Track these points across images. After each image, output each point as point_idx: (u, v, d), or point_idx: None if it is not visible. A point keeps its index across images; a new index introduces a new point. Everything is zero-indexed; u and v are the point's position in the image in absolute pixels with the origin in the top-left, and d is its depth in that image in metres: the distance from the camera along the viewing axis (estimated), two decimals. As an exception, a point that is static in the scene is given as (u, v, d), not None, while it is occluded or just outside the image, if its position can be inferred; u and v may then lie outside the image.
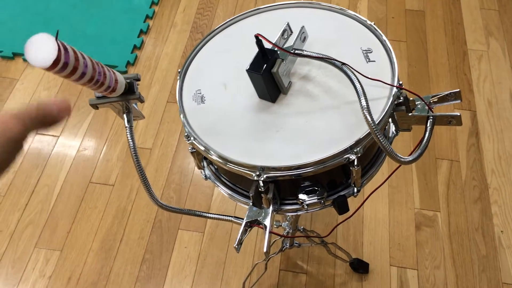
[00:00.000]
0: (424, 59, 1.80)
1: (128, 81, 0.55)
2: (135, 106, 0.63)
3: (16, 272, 1.39)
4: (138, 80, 0.56)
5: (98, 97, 0.56)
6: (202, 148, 0.65)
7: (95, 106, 0.57)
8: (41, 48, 0.39)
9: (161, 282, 1.36)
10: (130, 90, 0.56)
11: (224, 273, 1.36)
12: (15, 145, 0.36)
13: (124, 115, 0.60)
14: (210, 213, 0.73)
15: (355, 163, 0.61)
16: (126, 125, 0.60)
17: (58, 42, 0.39)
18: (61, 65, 0.40)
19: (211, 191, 1.51)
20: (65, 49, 0.40)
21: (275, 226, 1.17)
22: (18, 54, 1.88)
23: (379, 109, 0.63)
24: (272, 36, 0.65)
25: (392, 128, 0.75)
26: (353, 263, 1.32)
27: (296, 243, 1.22)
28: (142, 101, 0.58)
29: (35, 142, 1.65)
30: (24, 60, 1.87)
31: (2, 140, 0.36)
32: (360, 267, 1.32)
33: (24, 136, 0.37)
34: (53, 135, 1.66)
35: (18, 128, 0.37)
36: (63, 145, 1.64)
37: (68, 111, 0.40)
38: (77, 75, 0.43)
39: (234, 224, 1.44)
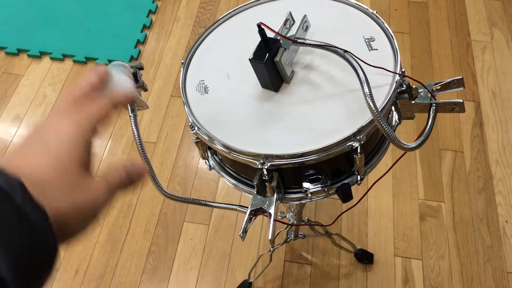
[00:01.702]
0: (428, 51, 1.80)
1: (132, 70, 0.56)
2: (139, 95, 0.64)
3: (23, 266, 1.40)
4: (142, 68, 0.57)
5: None
6: (206, 138, 0.66)
7: None
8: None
9: (167, 274, 1.37)
10: (133, 79, 0.56)
11: (230, 264, 1.37)
12: (99, 213, 0.34)
13: (128, 105, 0.60)
14: (216, 202, 0.74)
15: (358, 150, 0.62)
16: (130, 114, 0.60)
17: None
18: None
19: (216, 183, 1.52)
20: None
21: (279, 217, 1.17)
22: (22, 50, 1.89)
23: (382, 96, 0.63)
24: (274, 25, 0.65)
25: (395, 116, 0.75)
26: (357, 253, 1.32)
27: (300, 234, 1.22)
28: (145, 89, 0.59)
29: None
30: (29, 56, 1.88)
31: (92, 209, 0.33)
32: (364, 257, 1.33)
33: (108, 204, 0.35)
34: (58, 130, 1.67)
35: (107, 198, 0.34)
36: (68, 140, 1.65)
37: (145, 174, 0.38)
38: None
39: (239, 216, 1.45)
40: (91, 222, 0.33)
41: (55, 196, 0.30)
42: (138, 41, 1.90)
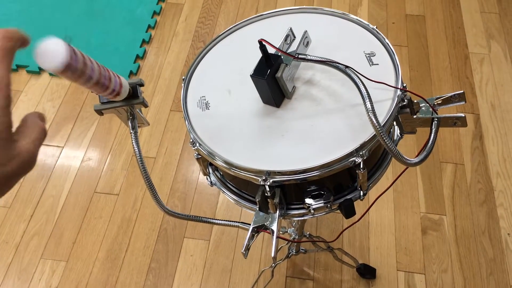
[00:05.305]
0: (426, 64, 1.80)
1: (132, 86, 0.55)
2: (139, 112, 0.63)
3: (22, 284, 1.38)
4: (142, 85, 0.57)
5: (103, 103, 0.56)
6: (208, 154, 0.65)
7: (100, 112, 0.57)
8: (53, 52, 0.39)
9: (168, 291, 1.35)
10: (134, 95, 0.56)
11: (231, 280, 1.35)
12: (32, 167, 0.38)
13: (129, 122, 0.60)
14: (217, 219, 0.73)
15: (361, 166, 0.61)
16: (131, 131, 0.60)
17: (69, 46, 0.40)
18: (71, 69, 0.40)
19: (216, 198, 1.51)
20: (75, 53, 0.41)
21: (281, 232, 1.16)
22: (21, 66, 1.89)
23: (383, 111, 0.63)
24: (275, 41, 0.65)
25: (397, 131, 0.75)
26: (360, 268, 1.31)
27: (302, 249, 1.21)
28: (146, 106, 0.58)
29: (39, 153, 1.65)
30: (28, 72, 1.88)
31: (24, 168, 0.37)
32: (367, 272, 1.32)
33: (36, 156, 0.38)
34: (57, 146, 1.67)
35: (36, 153, 0.38)
36: (67, 156, 1.65)
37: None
38: (84, 79, 0.44)
39: (240, 232, 1.44)
40: (26, 174, 0.38)
41: None
42: (138, 56, 1.91)
